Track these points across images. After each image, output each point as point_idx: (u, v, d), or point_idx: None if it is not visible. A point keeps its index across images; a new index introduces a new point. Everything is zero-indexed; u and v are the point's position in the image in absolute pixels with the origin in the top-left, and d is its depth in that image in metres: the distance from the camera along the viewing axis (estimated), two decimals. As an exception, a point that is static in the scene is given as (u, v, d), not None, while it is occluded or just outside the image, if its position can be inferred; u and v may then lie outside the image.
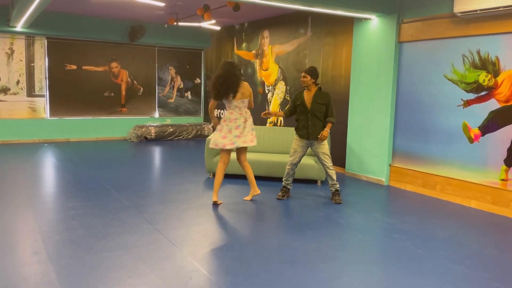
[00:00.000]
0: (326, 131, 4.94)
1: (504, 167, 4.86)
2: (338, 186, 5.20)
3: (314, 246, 3.73)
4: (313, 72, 4.96)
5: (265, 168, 6.07)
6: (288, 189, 5.30)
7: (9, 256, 3.34)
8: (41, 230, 3.93)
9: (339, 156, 6.96)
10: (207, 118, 11.37)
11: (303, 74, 4.97)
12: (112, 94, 10.27)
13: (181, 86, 11.23)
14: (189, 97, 11.39)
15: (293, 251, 3.61)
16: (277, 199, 5.19)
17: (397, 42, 5.96)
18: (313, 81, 4.97)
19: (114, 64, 10.21)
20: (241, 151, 4.97)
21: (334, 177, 5.15)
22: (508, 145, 4.81)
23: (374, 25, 6.22)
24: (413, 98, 5.84)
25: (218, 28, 9.73)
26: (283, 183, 5.30)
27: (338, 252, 3.66)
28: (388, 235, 4.11)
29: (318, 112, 4.97)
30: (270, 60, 8.86)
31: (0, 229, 3.95)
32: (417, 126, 5.81)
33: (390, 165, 6.16)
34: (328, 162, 5.09)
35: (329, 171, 5.12)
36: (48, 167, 6.99)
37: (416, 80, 5.80)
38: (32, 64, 9.28)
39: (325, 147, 5.04)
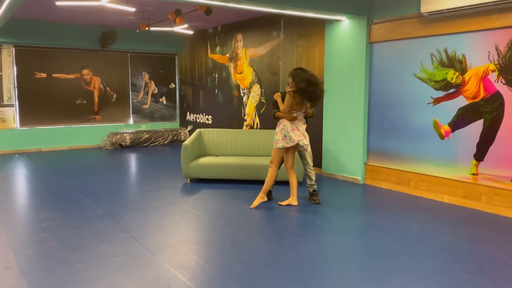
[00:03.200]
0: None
1: (474, 161, 5.00)
2: (316, 186, 5.25)
3: (293, 247, 3.74)
4: (292, 74, 4.92)
5: (245, 171, 6.06)
6: (270, 191, 5.30)
7: (-21, 273, 3.23)
8: (12, 244, 3.81)
9: (315, 156, 7.01)
10: (183, 123, 11.29)
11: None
12: (85, 101, 10.08)
13: (156, 91, 11.12)
14: (164, 102, 11.28)
15: (272, 253, 3.62)
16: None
17: (367, 42, 6.06)
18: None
19: (85, 71, 10.03)
20: (290, 156, 5.00)
21: (313, 177, 5.21)
22: (477, 140, 4.96)
23: (345, 26, 6.31)
24: (385, 97, 5.95)
25: (191, 32, 9.68)
26: None
27: (317, 252, 3.69)
28: (365, 233, 4.17)
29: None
30: (244, 63, 8.88)
31: (-31, 245, 3.82)
32: (389, 124, 5.92)
33: (365, 163, 6.25)
34: (311, 162, 5.21)
35: (309, 170, 5.20)
36: (20, 179, 6.79)
37: (387, 80, 5.91)
38: (0, 73, 9.02)
39: (308, 147, 5.07)
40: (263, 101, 8.34)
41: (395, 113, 5.82)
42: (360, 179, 6.27)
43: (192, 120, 10.91)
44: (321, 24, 6.75)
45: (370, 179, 6.20)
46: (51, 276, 3.16)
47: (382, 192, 5.79)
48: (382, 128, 6.02)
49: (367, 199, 5.62)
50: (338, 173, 6.61)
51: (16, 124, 9.28)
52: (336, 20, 6.36)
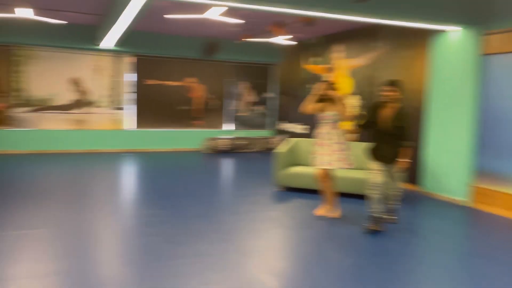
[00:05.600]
0: (407, 162, 4.37)
1: None
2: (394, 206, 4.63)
3: (385, 267, 3.58)
4: (400, 86, 4.43)
5: (338, 183, 5.94)
6: (380, 219, 4.48)
7: (94, 258, 3.61)
8: (122, 235, 4.20)
9: (412, 173, 6.65)
10: (278, 132, 11.45)
11: (390, 87, 4.34)
12: (187, 107, 10.77)
13: (252, 100, 11.47)
14: (260, 110, 11.58)
15: (362, 271, 3.50)
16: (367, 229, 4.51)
17: (480, 54, 5.60)
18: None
19: (190, 79, 10.72)
20: None
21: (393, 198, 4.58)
22: None
23: (454, 37, 5.91)
24: (500, 114, 5.43)
25: (289, 43, 9.83)
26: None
27: (414, 276, 3.49)
28: (469, 260, 3.84)
29: (395, 134, 4.34)
30: (342, 74, 8.74)
31: (86, 232, 4.29)
32: (503, 144, 5.38)
33: (470, 184, 5.76)
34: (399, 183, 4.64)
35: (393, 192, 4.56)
36: (128, 175, 7.46)
37: (503, 95, 5.39)
38: (118, 79, 10.04)
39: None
40: (363, 113, 8.12)
41: (511, 132, 5.28)
42: (464, 200, 5.79)
43: (287, 129, 11.03)
44: (425, 35, 6.40)
45: (476, 202, 5.69)
46: (153, 267, 3.42)
47: (490, 217, 5.27)
48: (494, 147, 5.50)
49: (473, 224, 5.17)
50: (438, 193, 6.17)
51: (132, 125, 10.23)
52: (444, 31, 5.99)
